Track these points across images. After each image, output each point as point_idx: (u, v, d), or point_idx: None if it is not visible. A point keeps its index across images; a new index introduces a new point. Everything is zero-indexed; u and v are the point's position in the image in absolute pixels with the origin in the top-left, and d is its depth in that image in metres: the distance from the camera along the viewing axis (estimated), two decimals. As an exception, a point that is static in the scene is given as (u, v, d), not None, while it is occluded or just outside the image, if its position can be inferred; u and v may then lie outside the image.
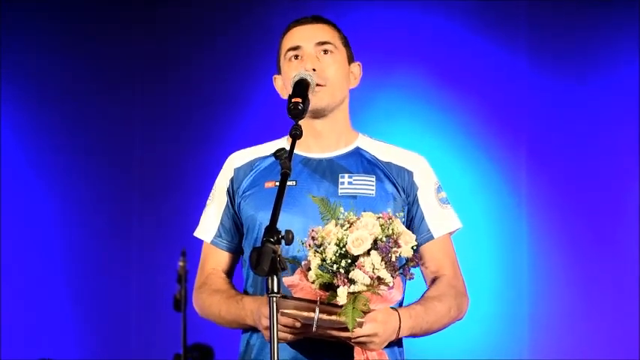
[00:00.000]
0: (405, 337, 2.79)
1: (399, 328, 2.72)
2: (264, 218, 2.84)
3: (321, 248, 2.60)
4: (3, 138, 6.33)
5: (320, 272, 2.58)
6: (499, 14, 6.03)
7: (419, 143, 5.54)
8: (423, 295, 2.87)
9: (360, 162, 2.94)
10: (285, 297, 2.59)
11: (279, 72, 3.00)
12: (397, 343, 2.84)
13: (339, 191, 2.87)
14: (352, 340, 2.64)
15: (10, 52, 6.34)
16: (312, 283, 2.60)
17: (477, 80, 6.04)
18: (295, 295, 2.64)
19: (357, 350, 2.68)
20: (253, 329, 2.86)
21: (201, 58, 6.39)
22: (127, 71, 6.41)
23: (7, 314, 6.23)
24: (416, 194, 2.93)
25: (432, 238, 2.92)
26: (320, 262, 2.59)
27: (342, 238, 2.59)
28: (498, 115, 6.02)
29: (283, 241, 2.42)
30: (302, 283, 2.64)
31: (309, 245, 2.62)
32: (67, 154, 6.35)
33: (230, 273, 2.99)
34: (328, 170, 2.90)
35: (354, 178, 2.91)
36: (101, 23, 6.40)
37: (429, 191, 2.95)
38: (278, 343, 2.41)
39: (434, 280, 2.91)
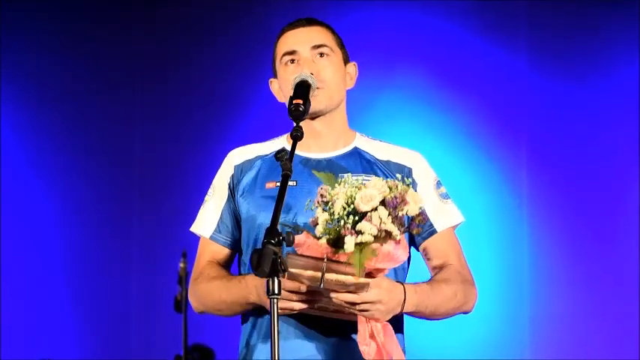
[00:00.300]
0: (410, 314, 2.78)
1: (404, 301, 2.71)
2: (264, 219, 2.84)
3: (329, 205, 2.60)
4: (3, 138, 6.33)
5: (327, 228, 2.58)
6: (499, 15, 6.04)
7: (419, 144, 5.55)
8: (429, 279, 2.87)
9: (360, 162, 2.95)
10: (292, 255, 2.59)
11: (274, 75, 3.00)
12: (398, 329, 2.83)
13: None
14: (356, 308, 2.63)
15: (10, 52, 6.34)
16: (319, 239, 2.59)
17: (477, 81, 6.05)
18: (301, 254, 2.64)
19: (360, 320, 2.67)
20: (254, 322, 2.87)
21: (202, 58, 6.39)
22: (127, 71, 6.41)
23: (8, 314, 6.23)
24: (412, 184, 2.94)
25: (435, 232, 2.92)
26: (328, 218, 2.59)
27: (351, 195, 2.58)
28: (499, 116, 6.02)
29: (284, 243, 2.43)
30: (308, 241, 2.63)
31: (318, 202, 2.62)
32: (68, 154, 6.36)
33: (227, 268, 2.98)
34: (328, 170, 2.90)
35: (354, 178, 2.91)
36: (101, 23, 6.40)
37: (429, 187, 2.96)
38: (279, 340, 2.42)
39: (439, 269, 2.91)
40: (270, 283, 2.39)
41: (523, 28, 6.04)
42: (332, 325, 2.76)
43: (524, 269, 5.93)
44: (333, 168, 2.91)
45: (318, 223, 2.60)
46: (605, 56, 5.92)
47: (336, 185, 2.66)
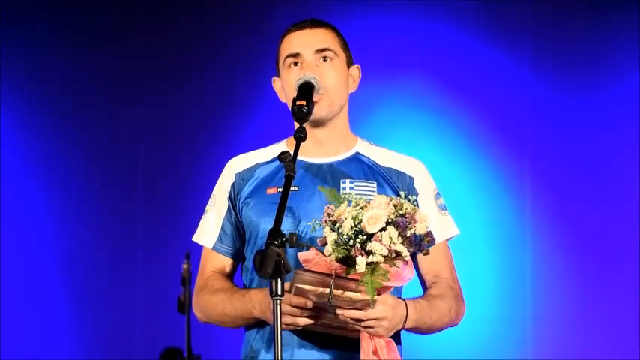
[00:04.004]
0: (408, 330, 2.78)
1: (406, 317, 2.72)
2: (267, 224, 2.82)
3: (337, 225, 2.59)
4: (3, 140, 6.32)
5: (336, 247, 2.58)
6: (502, 21, 6.04)
7: (422, 149, 5.58)
8: (424, 293, 2.89)
9: (361, 168, 2.94)
10: (300, 270, 2.59)
11: (278, 74, 2.99)
12: (396, 339, 2.83)
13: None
14: (362, 324, 2.64)
15: (11, 54, 6.33)
16: (328, 257, 2.59)
17: (481, 87, 6.06)
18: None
19: (364, 336, 2.67)
20: (257, 327, 2.86)
21: (206, 57, 6.38)
22: (130, 72, 6.40)
23: (10, 317, 6.22)
24: (416, 200, 2.93)
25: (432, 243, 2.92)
26: (336, 238, 2.59)
27: (357, 216, 2.59)
28: (502, 122, 6.03)
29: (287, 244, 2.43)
30: (317, 258, 2.63)
31: (325, 222, 2.62)
32: (72, 156, 6.35)
33: (230, 278, 2.98)
34: (329, 175, 2.90)
35: (356, 183, 2.91)
36: (103, 24, 6.39)
37: (429, 197, 2.96)
38: (281, 340, 2.42)
39: (432, 282, 2.92)
40: (274, 284, 2.39)
41: (527, 34, 6.05)
42: (335, 340, 2.76)
43: (527, 271, 5.94)
44: (335, 173, 2.91)
45: (326, 243, 2.60)
46: (608, 63, 5.94)
47: (340, 202, 2.66)
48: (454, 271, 2.96)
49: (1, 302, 6.23)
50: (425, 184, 2.96)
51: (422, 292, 2.92)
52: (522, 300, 5.93)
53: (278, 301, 2.40)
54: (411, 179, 2.95)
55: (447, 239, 2.97)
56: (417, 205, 2.92)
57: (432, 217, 2.91)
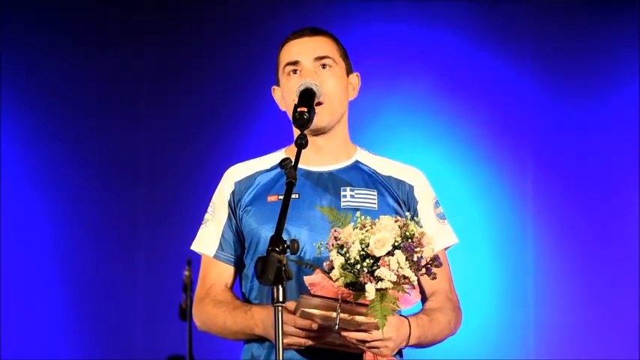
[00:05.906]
0: (410, 346, 2.78)
1: (409, 335, 2.73)
2: (267, 232, 2.81)
3: (344, 250, 2.59)
4: (3, 141, 6.31)
5: (343, 272, 2.57)
6: (503, 29, 6.06)
7: (422, 155, 5.59)
8: (424, 307, 2.88)
9: (361, 176, 2.93)
10: (306, 295, 2.59)
11: (277, 84, 2.98)
12: (398, 351, 2.83)
13: (342, 204, 2.87)
14: (366, 345, 2.64)
15: (10, 54, 6.33)
16: (336, 281, 2.58)
17: (481, 93, 6.07)
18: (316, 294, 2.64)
19: (367, 355, 2.67)
20: (258, 340, 2.85)
21: (207, 63, 6.38)
22: (132, 74, 6.39)
23: (11, 328, 6.22)
24: (416, 208, 2.93)
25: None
26: (343, 262, 2.58)
27: (364, 239, 2.58)
28: (503, 128, 6.04)
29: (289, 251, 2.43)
30: (324, 282, 2.63)
31: (332, 245, 2.61)
32: (72, 159, 6.35)
33: (232, 287, 2.96)
34: (330, 183, 2.90)
35: (356, 191, 2.90)
36: (104, 24, 6.39)
37: (428, 206, 2.96)
38: (284, 350, 2.42)
39: (431, 294, 2.92)
40: (275, 291, 2.39)
41: (527, 40, 6.07)
42: (337, 355, 2.75)
43: (529, 275, 5.95)
44: (336, 181, 2.90)
45: (333, 267, 2.59)
46: (608, 70, 5.97)
47: (340, 221, 2.65)
48: (451, 281, 2.96)
49: (1, 305, 6.23)
50: (424, 192, 2.96)
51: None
52: (524, 304, 5.94)
53: (280, 308, 2.39)
54: (411, 187, 2.95)
55: (446, 248, 2.97)
56: (417, 214, 2.92)
57: (431, 226, 2.92)
